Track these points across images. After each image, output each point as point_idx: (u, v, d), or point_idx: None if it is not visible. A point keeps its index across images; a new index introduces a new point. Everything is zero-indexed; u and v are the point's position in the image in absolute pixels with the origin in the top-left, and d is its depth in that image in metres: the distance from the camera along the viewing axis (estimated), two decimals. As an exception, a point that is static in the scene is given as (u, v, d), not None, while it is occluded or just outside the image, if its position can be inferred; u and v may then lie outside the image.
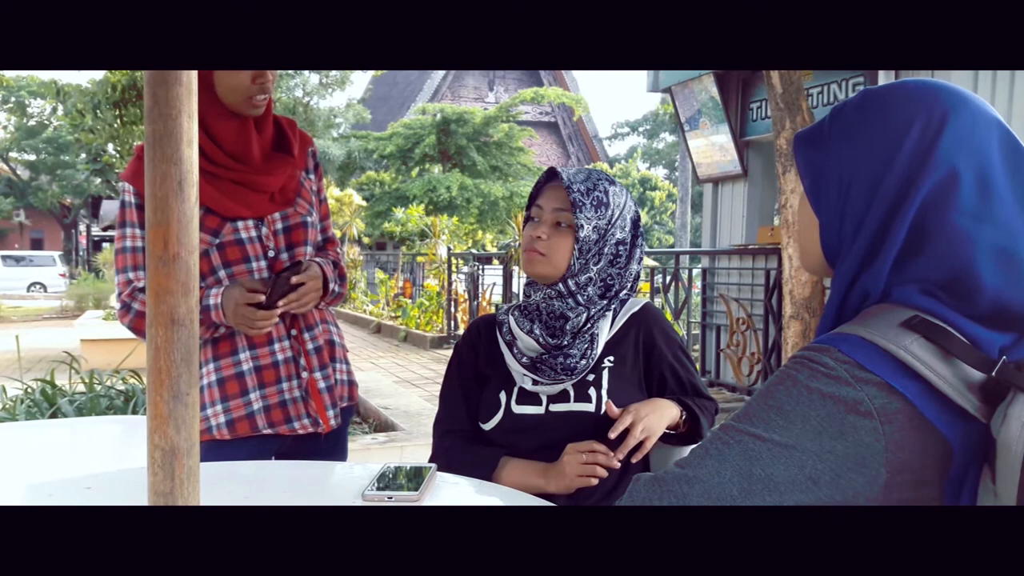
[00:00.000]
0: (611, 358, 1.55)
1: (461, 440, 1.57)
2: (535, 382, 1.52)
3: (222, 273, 1.66)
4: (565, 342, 1.51)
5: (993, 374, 0.73)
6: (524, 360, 1.53)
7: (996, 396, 0.73)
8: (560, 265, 1.52)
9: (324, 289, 1.72)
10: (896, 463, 0.75)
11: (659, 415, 1.47)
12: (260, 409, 1.68)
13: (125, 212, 1.66)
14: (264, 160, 1.69)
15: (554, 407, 1.52)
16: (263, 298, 1.58)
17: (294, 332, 1.73)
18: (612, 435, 1.42)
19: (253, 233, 1.68)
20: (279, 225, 1.71)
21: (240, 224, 1.66)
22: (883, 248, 0.81)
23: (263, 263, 1.69)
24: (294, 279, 1.61)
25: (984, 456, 0.74)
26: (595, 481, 1.42)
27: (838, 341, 0.79)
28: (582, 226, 1.50)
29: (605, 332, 1.55)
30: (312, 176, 1.82)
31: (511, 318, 1.58)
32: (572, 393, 1.52)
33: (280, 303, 1.60)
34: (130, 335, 1.73)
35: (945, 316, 0.77)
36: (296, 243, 1.73)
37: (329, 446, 1.78)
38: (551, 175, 1.56)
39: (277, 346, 1.70)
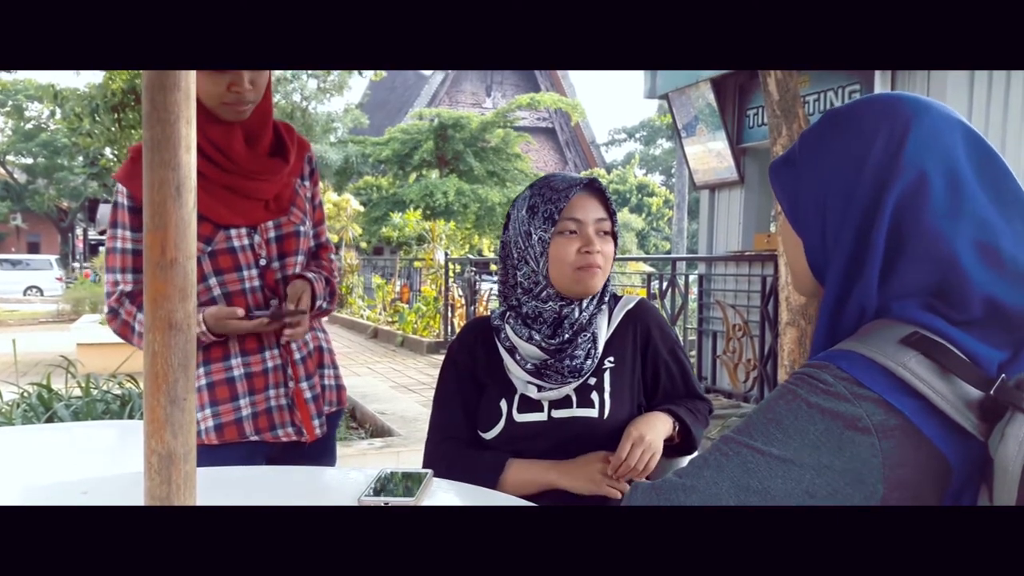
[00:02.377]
0: (611, 359, 1.54)
1: (462, 446, 1.55)
2: (540, 388, 1.50)
3: (213, 281, 1.65)
4: (567, 336, 1.50)
5: (991, 393, 0.73)
6: (528, 367, 1.50)
7: (994, 415, 0.73)
8: (607, 275, 1.53)
9: (311, 306, 1.70)
10: (893, 479, 0.75)
11: (655, 432, 1.46)
12: (248, 415, 1.68)
13: (117, 213, 1.65)
14: (259, 167, 1.67)
15: (556, 413, 1.50)
16: (241, 311, 1.62)
17: (283, 340, 1.71)
18: (611, 469, 1.43)
19: (246, 241, 1.67)
20: (272, 233, 1.70)
21: (233, 232, 1.65)
22: (866, 258, 0.82)
23: (254, 271, 1.68)
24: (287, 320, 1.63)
25: (982, 475, 0.74)
26: (617, 493, 1.42)
27: (837, 358, 0.80)
28: (619, 233, 1.53)
29: (604, 330, 1.55)
30: (307, 182, 1.80)
31: (507, 326, 1.55)
32: (574, 398, 1.50)
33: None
34: (128, 338, 1.72)
35: (945, 332, 0.77)
36: (288, 252, 1.72)
37: (317, 452, 1.77)
38: (583, 185, 1.50)
39: (267, 354, 1.70)
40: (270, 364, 1.70)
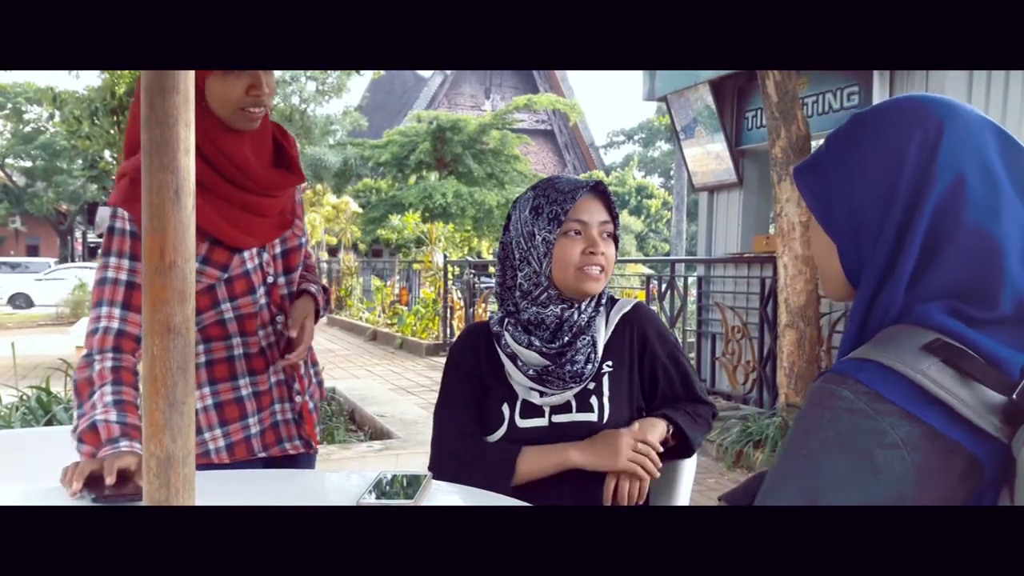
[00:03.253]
0: (609, 363, 1.55)
1: (469, 443, 1.53)
2: (542, 394, 1.51)
3: (226, 305, 1.57)
4: (566, 340, 1.50)
5: (1014, 397, 0.73)
6: (530, 373, 1.50)
7: (1017, 418, 0.73)
8: (608, 277, 1.53)
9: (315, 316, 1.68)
10: (928, 490, 0.75)
11: (652, 434, 1.50)
12: (257, 433, 1.64)
13: (113, 240, 1.47)
14: (271, 181, 1.58)
15: (557, 418, 1.51)
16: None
17: (281, 365, 1.66)
18: (608, 498, 1.47)
19: (256, 261, 1.59)
20: (278, 249, 1.64)
21: (246, 255, 1.57)
22: (899, 261, 0.82)
23: (262, 290, 1.61)
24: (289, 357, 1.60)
25: (1003, 476, 0.74)
26: (645, 475, 1.46)
27: (856, 370, 0.79)
28: (619, 235, 1.55)
29: (602, 334, 1.55)
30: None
31: (507, 332, 1.54)
32: (574, 403, 1.51)
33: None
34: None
35: (966, 337, 0.77)
36: (292, 268, 1.67)
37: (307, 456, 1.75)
38: (588, 188, 1.51)
39: (271, 369, 1.65)
40: (273, 379, 1.65)
